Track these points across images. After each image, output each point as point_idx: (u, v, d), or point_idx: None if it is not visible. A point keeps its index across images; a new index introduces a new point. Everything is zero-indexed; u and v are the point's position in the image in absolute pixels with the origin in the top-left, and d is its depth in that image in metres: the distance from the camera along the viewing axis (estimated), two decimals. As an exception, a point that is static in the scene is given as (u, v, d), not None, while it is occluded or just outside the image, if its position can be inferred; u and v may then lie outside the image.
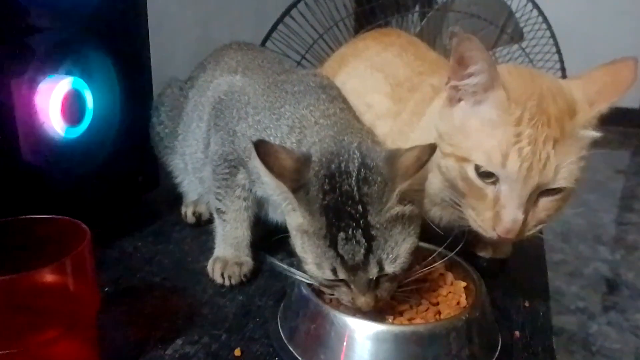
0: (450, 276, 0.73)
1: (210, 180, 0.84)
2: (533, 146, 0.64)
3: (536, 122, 0.65)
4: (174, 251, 0.88)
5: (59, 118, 0.79)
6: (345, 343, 0.60)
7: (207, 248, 0.85)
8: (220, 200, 0.81)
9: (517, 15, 1.55)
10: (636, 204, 3.09)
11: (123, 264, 0.83)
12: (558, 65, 1.52)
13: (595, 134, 0.68)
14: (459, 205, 0.72)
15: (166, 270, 0.82)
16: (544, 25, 1.54)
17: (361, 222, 0.59)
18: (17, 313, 0.51)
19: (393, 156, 0.62)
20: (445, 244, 0.71)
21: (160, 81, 1.01)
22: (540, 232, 0.72)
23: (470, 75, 0.68)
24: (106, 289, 0.76)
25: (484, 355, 0.63)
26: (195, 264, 0.84)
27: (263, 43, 1.45)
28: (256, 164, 0.61)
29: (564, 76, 1.41)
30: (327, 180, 0.61)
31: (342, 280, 0.61)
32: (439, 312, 0.67)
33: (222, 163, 0.81)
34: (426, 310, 0.67)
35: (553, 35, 1.53)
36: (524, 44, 1.53)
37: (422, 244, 0.69)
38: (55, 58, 0.77)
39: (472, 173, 0.67)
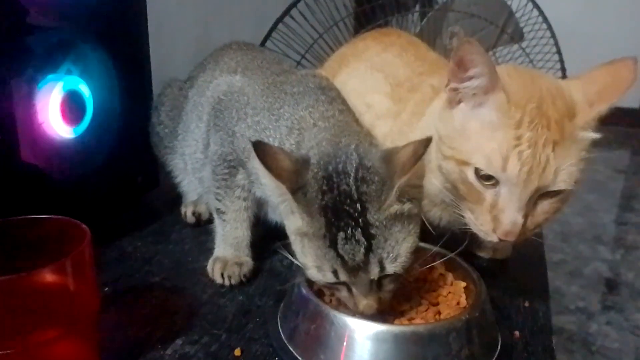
0: (450, 276, 0.73)
1: (209, 180, 0.84)
2: (533, 149, 0.64)
3: (536, 125, 0.65)
4: (173, 251, 0.88)
5: (59, 118, 0.79)
6: (345, 343, 0.60)
7: (206, 248, 0.86)
8: (220, 201, 0.81)
9: (518, 15, 1.55)
10: (636, 204, 3.09)
11: (123, 264, 0.83)
12: (558, 66, 1.53)
13: (594, 135, 0.68)
14: (459, 207, 0.72)
15: (166, 270, 0.82)
16: (544, 25, 1.54)
17: (360, 220, 0.59)
18: (17, 313, 0.51)
19: (389, 154, 0.62)
20: (441, 242, 0.71)
21: (160, 81, 1.01)
22: (540, 232, 0.72)
23: (470, 78, 0.68)
24: (106, 289, 0.76)
25: (484, 355, 0.63)
26: (195, 264, 0.84)
27: (263, 43, 1.46)
28: (255, 164, 0.61)
29: (564, 76, 1.41)
30: (325, 181, 0.61)
31: (343, 283, 0.61)
32: (439, 312, 0.67)
33: (221, 163, 0.81)
34: (426, 311, 0.67)
35: (553, 35, 1.53)
36: (524, 44, 1.53)
37: (421, 244, 0.69)
38: (55, 58, 0.77)
39: (472, 176, 0.67)
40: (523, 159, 0.64)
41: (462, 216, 0.71)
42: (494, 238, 0.68)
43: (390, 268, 0.60)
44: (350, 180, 0.60)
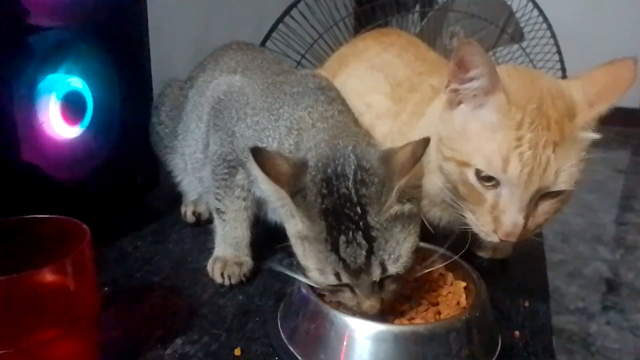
0: (450, 276, 0.73)
1: (209, 180, 0.84)
2: (534, 150, 0.64)
3: (537, 126, 0.65)
4: (173, 251, 0.88)
5: (59, 118, 0.79)
6: (345, 343, 0.60)
7: (206, 248, 0.85)
8: (219, 200, 0.81)
9: (518, 15, 1.55)
10: (636, 204, 3.09)
11: (123, 264, 0.83)
12: (558, 66, 1.53)
13: (594, 136, 0.68)
14: (460, 207, 0.71)
15: (166, 270, 0.82)
16: (545, 25, 1.54)
17: (361, 224, 0.59)
18: (17, 313, 0.51)
19: (388, 155, 0.62)
20: (447, 245, 0.71)
21: (160, 81, 1.01)
22: (540, 232, 0.72)
23: (470, 79, 0.67)
24: (106, 289, 0.76)
25: (484, 355, 0.63)
26: (195, 263, 0.84)
27: (263, 43, 1.46)
28: (254, 170, 0.61)
29: (564, 76, 1.41)
30: (324, 184, 0.60)
31: (346, 285, 0.61)
32: (439, 312, 0.67)
33: (221, 163, 0.81)
34: (426, 310, 0.67)
35: (553, 35, 1.53)
36: (524, 44, 1.53)
37: (422, 244, 0.69)
38: (55, 58, 0.77)
39: (472, 177, 0.67)
40: (524, 160, 0.64)
41: (463, 216, 0.71)
42: (494, 239, 0.68)
43: (392, 269, 0.60)
44: (350, 183, 0.60)
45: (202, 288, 0.78)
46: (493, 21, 1.51)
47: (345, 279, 0.60)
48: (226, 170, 0.80)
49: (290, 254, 0.67)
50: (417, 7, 1.86)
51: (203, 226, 0.94)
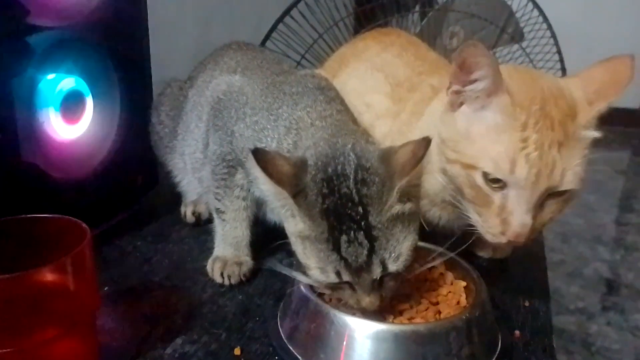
0: (450, 276, 0.73)
1: (209, 180, 0.84)
2: (540, 151, 0.64)
3: (541, 127, 0.65)
4: (173, 251, 0.88)
5: (59, 118, 0.79)
6: (345, 342, 0.60)
7: (206, 248, 0.86)
8: (219, 200, 0.81)
9: (518, 15, 1.55)
10: (636, 204, 3.09)
11: (123, 264, 0.83)
12: (558, 65, 1.53)
13: (596, 134, 0.68)
14: (465, 209, 0.71)
15: (166, 270, 0.82)
16: (545, 25, 1.54)
17: (362, 223, 0.59)
18: (17, 313, 0.51)
19: (388, 154, 0.62)
20: (447, 244, 0.71)
21: (160, 81, 1.01)
22: (540, 232, 0.72)
23: (474, 80, 0.67)
24: (106, 289, 0.76)
25: (484, 354, 0.63)
26: (195, 263, 0.84)
27: (263, 43, 1.46)
28: (255, 172, 0.61)
29: (564, 76, 1.41)
30: (325, 184, 0.61)
31: (346, 282, 0.62)
32: (439, 312, 0.67)
33: (220, 163, 0.81)
34: (426, 310, 0.67)
35: (553, 35, 1.53)
36: (524, 44, 1.53)
37: (421, 243, 0.69)
38: (55, 58, 0.77)
39: (480, 180, 0.66)
40: (531, 162, 0.63)
41: (468, 217, 0.70)
42: (502, 240, 0.67)
43: (392, 267, 0.61)
44: (350, 183, 0.60)
45: (202, 288, 0.78)
46: (493, 21, 1.51)
47: (346, 277, 0.61)
48: (225, 170, 0.80)
49: (290, 253, 0.67)
50: (417, 7, 1.86)
51: (203, 226, 0.94)
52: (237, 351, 0.65)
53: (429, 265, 0.69)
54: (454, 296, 0.69)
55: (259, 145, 0.73)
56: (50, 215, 0.59)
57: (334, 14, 1.54)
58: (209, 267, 0.80)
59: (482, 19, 1.50)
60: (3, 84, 0.70)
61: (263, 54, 0.97)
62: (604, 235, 2.69)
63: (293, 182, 0.60)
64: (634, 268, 2.39)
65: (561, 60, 1.53)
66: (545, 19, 1.54)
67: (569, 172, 0.65)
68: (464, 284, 0.71)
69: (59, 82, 0.78)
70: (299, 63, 1.48)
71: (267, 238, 0.82)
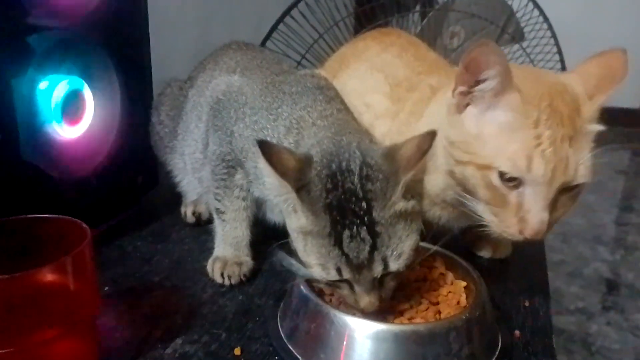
0: (450, 276, 0.73)
1: (209, 180, 0.84)
2: (554, 147, 0.64)
3: (552, 123, 0.65)
4: (173, 251, 0.88)
5: (59, 118, 0.79)
6: (345, 342, 0.60)
7: (206, 248, 0.86)
8: (219, 201, 0.81)
9: (518, 15, 1.56)
10: (636, 204, 3.09)
11: (123, 264, 0.83)
12: (559, 66, 1.53)
13: (600, 127, 0.68)
14: (475, 210, 0.70)
15: (166, 270, 0.82)
16: (545, 25, 1.54)
17: (366, 219, 0.59)
18: (17, 313, 0.51)
19: (392, 151, 0.63)
20: (442, 242, 0.71)
21: (160, 81, 1.01)
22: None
23: (483, 80, 0.67)
24: (106, 289, 0.76)
25: (484, 354, 0.63)
26: (195, 263, 0.84)
27: (263, 43, 1.46)
28: (261, 163, 0.61)
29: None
30: (329, 179, 0.61)
31: (346, 280, 0.61)
32: (439, 312, 0.67)
33: (220, 163, 0.81)
34: (426, 310, 0.67)
35: (554, 35, 1.53)
36: (524, 44, 1.53)
37: (421, 243, 0.69)
38: (56, 58, 0.77)
39: (496, 180, 0.66)
40: (547, 158, 0.64)
41: (480, 217, 0.70)
42: (520, 238, 0.67)
43: (394, 265, 0.61)
44: (355, 178, 0.60)
45: (202, 288, 0.78)
46: (493, 21, 1.51)
47: (346, 274, 0.60)
48: (225, 170, 0.80)
49: (290, 254, 0.67)
50: (418, 7, 1.86)
51: (203, 226, 0.94)
52: (237, 351, 0.65)
53: (423, 256, 0.69)
54: (454, 296, 0.69)
55: None
56: (50, 215, 0.59)
57: (334, 14, 1.54)
58: (209, 267, 0.80)
59: (482, 18, 1.50)
60: (3, 84, 0.70)
61: (263, 54, 0.97)
62: (604, 235, 2.69)
63: (297, 176, 0.61)
64: (634, 268, 2.39)
65: (561, 60, 1.53)
66: (546, 19, 1.54)
67: (581, 165, 0.66)
68: (464, 284, 0.71)
69: (59, 82, 0.78)
70: (299, 63, 1.48)
71: (267, 238, 0.83)
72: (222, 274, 0.78)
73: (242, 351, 0.65)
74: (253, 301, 0.75)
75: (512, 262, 0.88)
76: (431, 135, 0.61)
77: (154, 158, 1.00)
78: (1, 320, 0.51)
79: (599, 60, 0.71)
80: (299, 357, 0.63)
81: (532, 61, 1.51)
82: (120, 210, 0.95)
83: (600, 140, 0.69)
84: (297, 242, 0.64)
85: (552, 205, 0.67)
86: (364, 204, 0.59)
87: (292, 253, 0.66)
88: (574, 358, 1.84)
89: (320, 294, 0.67)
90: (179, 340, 0.66)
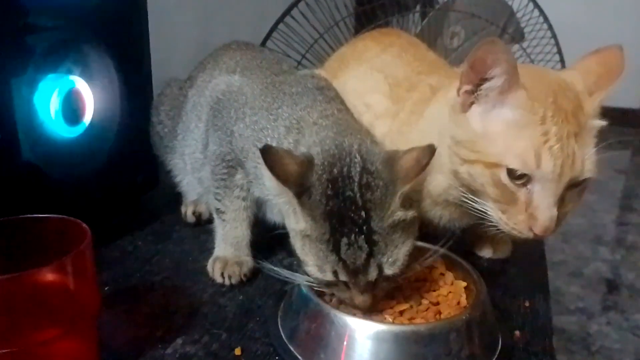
0: (450, 276, 0.73)
1: (209, 180, 0.84)
2: (561, 143, 0.65)
3: (557, 119, 0.66)
4: (174, 251, 0.88)
5: (59, 117, 0.79)
6: (345, 343, 0.60)
7: (207, 247, 0.85)
8: (219, 201, 0.81)
9: (519, 15, 1.56)
10: (636, 204, 3.09)
11: (123, 264, 0.83)
12: (559, 66, 1.53)
13: (602, 123, 0.69)
14: (481, 209, 0.70)
15: (166, 270, 0.82)
16: (545, 26, 1.54)
17: (364, 228, 0.60)
18: (17, 313, 0.51)
19: (392, 158, 0.63)
20: (444, 244, 0.71)
21: (160, 81, 1.01)
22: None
23: (489, 79, 0.67)
24: (106, 289, 0.76)
25: (484, 355, 0.63)
26: (196, 263, 0.84)
27: (263, 43, 1.46)
28: (263, 171, 0.62)
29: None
30: (329, 185, 0.61)
31: (342, 281, 0.62)
32: (439, 312, 0.67)
33: (220, 163, 0.81)
34: (426, 310, 0.67)
35: (554, 35, 1.53)
36: (524, 44, 1.53)
37: (420, 243, 0.69)
38: (55, 57, 0.77)
39: (505, 178, 0.66)
40: (555, 154, 0.64)
41: (487, 215, 0.70)
42: (530, 235, 0.67)
43: (389, 271, 0.61)
44: (355, 186, 0.61)
45: (202, 288, 0.78)
46: (494, 21, 1.51)
47: (343, 277, 0.61)
48: (225, 170, 0.80)
49: (290, 254, 0.67)
50: (418, 7, 1.86)
51: (203, 226, 0.94)
52: (237, 351, 0.65)
53: (426, 260, 0.69)
54: (454, 296, 0.69)
55: (259, 145, 0.73)
56: (50, 215, 0.59)
57: (334, 14, 1.54)
58: (209, 267, 0.80)
59: (482, 19, 1.50)
60: (3, 84, 0.70)
61: (263, 53, 0.97)
62: (604, 235, 2.69)
63: (298, 182, 0.61)
64: (635, 268, 2.40)
65: (561, 61, 1.53)
66: (546, 19, 1.54)
67: (587, 161, 0.66)
68: (464, 284, 0.71)
69: (59, 82, 0.78)
70: (299, 63, 1.48)
71: (266, 238, 0.82)
72: (222, 274, 0.78)
73: (242, 351, 0.65)
74: (253, 301, 0.75)
75: (512, 262, 0.88)
76: (430, 149, 0.61)
77: (154, 158, 1.00)
78: (1, 320, 0.51)
79: (596, 57, 0.72)
80: (299, 358, 0.63)
81: (532, 61, 1.51)
82: (121, 210, 0.95)
83: (600, 139, 0.70)
84: (295, 241, 0.64)
85: (560, 202, 0.67)
86: (363, 213, 0.60)
87: (292, 254, 0.66)
88: (574, 358, 1.84)
89: (320, 294, 0.67)
90: (179, 340, 0.66)
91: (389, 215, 0.60)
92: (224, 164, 0.80)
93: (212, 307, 0.74)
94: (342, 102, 0.80)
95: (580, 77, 0.71)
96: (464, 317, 0.62)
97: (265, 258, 0.83)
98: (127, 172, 0.95)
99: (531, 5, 1.55)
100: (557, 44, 1.54)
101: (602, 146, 0.69)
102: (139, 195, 1.00)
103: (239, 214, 0.81)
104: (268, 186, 0.64)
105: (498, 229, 0.70)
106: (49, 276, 0.52)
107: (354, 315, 0.62)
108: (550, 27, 1.54)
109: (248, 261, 0.80)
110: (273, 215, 0.83)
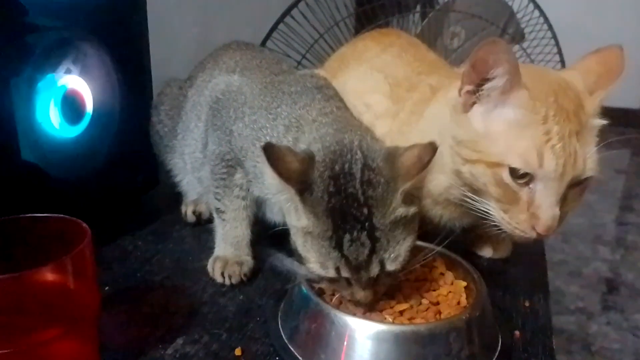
0: (450, 276, 0.73)
1: (208, 179, 0.84)
2: (563, 142, 0.65)
3: (559, 118, 0.66)
4: (174, 250, 0.88)
5: (58, 117, 0.79)
6: (345, 343, 0.60)
7: (207, 247, 0.85)
8: (219, 200, 0.81)
9: (519, 15, 1.56)
10: (636, 204, 3.09)
11: (123, 263, 0.83)
12: (559, 66, 1.53)
13: (602, 122, 0.70)
14: (483, 209, 0.70)
15: (166, 270, 0.82)
16: (545, 26, 1.54)
17: (366, 224, 0.60)
18: (17, 313, 0.51)
19: (393, 155, 0.63)
20: (444, 243, 0.71)
21: (160, 81, 1.01)
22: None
23: (490, 79, 0.67)
24: (106, 289, 0.76)
25: (484, 355, 0.63)
26: (196, 263, 0.84)
27: (263, 43, 1.46)
28: (265, 169, 0.61)
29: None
30: (331, 182, 0.61)
31: (344, 277, 0.62)
32: (439, 312, 0.67)
33: (219, 163, 0.81)
34: (426, 310, 0.67)
35: (554, 36, 1.53)
36: (525, 44, 1.53)
37: (421, 243, 0.69)
38: (55, 57, 0.77)
39: (507, 177, 0.66)
40: (557, 153, 0.64)
41: (489, 214, 0.70)
42: (532, 235, 0.67)
43: (390, 267, 0.61)
44: (357, 183, 0.61)
45: (202, 288, 0.78)
46: (494, 21, 1.51)
47: (345, 273, 0.61)
48: (225, 170, 0.80)
49: (290, 252, 0.67)
50: (418, 8, 1.86)
51: (203, 225, 0.94)
52: (237, 351, 0.65)
53: (425, 259, 0.69)
54: (454, 296, 0.69)
55: (258, 144, 0.73)
56: (50, 215, 0.59)
57: (334, 14, 1.54)
58: (209, 267, 0.80)
59: (483, 19, 1.50)
60: (3, 84, 0.70)
61: (262, 53, 0.97)
62: (604, 235, 2.70)
63: (300, 179, 0.61)
64: (634, 268, 2.40)
65: (562, 61, 1.53)
66: (546, 20, 1.54)
67: (589, 159, 0.67)
68: (464, 284, 0.71)
69: (58, 81, 0.78)
70: (299, 63, 1.48)
71: (266, 238, 0.82)
72: (222, 274, 0.78)
73: (242, 351, 0.65)
74: (254, 301, 0.75)
75: (512, 262, 0.88)
76: (432, 148, 0.61)
77: (154, 158, 1.00)
78: (1, 320, 0.51)
79: (597, 56, 0.72)
80: (300, 358, 0.63)
81: (532, 61, 1.51)
82: (121, 209, 0.95)
83: (600, 139, 0.70)
84: (297, 237, 0.64)
85: (562, 201, 0.67)
86: (365, 210, 0.60)
87: (292, 253, 0.66)
88: (574, 358, 1.84)
89: (320, 294, 0.67)
90: (179, 341, 0.66)
91: (391, 212, 0.60)
92: (224, 163, 0.80)
93: (212, 307, 0.74)
94: (341, 100, 0.80)
95: (581, 76, 0.71)
96: (464, 317, 0.62)
97: (265, 258, 0.84)
98: (127, 172, 0.95)
99: (531, 5, 1.55)
100: (557, 44, 1.54)
101: (602, 146, 0.69)
102: (139, 195, 1.00)
103: (239, 213, 0.81)
104: (269, 184, 0.64)
105: (499, 229, 0.70)
106: (49, 276, 0.52)
107: (354, 315, 0.62)
108: (550, 27, 1.54)
109: (248, 261, 0.80)
110: (273, 215, 0.83)
